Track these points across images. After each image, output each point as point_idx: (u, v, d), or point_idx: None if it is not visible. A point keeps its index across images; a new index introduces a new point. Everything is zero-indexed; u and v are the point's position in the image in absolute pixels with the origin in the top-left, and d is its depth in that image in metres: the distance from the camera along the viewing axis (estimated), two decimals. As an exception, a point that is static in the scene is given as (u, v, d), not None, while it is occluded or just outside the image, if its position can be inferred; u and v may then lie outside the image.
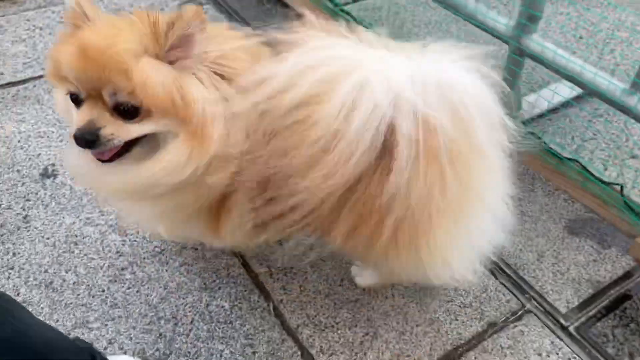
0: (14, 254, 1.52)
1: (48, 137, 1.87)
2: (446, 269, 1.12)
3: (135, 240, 1.58)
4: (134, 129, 1.00)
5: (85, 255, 1.54)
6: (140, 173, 1.04)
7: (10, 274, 1.48)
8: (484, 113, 0.96)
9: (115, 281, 1.49)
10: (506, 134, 1.03)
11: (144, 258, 1.55)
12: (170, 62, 0.99)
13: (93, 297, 1.45)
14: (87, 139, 0.98)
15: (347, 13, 2.45)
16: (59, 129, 1.89)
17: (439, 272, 1.13)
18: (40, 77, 2.11)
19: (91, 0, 1.03)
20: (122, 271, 1.51)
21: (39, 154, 1.81)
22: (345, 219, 1.03)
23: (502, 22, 1.71)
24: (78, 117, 1.00)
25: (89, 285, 1.47)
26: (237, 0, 2.62)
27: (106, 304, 1.44)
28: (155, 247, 1.58)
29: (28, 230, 1.58)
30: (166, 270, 1.53)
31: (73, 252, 1.55)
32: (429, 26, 2.55)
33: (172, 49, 0.97)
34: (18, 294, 1.43)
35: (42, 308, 1.41)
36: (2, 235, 1.56)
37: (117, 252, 1.56)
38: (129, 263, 1.53)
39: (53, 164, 1.78)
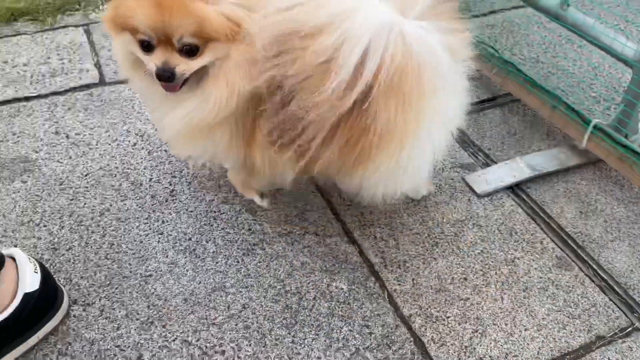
0: (163, 222, 1.74)
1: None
2: (410, 177, 1.45)
3: (265, 221, 1.76)
4: (196, 64, 1.28)
5: (222, 229, 1.73)
6: (216, 93, 1.30)
7: (160, 238, 1.69)
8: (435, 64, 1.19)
9: (248, 254, 1.66)
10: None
11: (272, 237, 1.72)
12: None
13: (229, 266, 1.63)
14: (167, 75, 1.26)
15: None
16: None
17: (403, 180, 1.44)
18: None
19: None
20: (254, 246, 1.69)
21: (182, 137, 2.03)
22: (338, 140, 1.24)
23: (632, 47, 1.74)
24: (155, 59, 1.27)
25: (225, 255, 1.66)
26: None
27: (240, 273, 1.61)
28: (282, 228, 1.74)
29: (174, 203, 1.80)
30: (291, 250, 1.68)
31: (212, 225, 1.74)
32: (543, 46, 2.59)
33: None
34: (167, 256, 1.64)
35: (186, 270, 1.61)
36: (153, 205, 1.79)
37: (249, 229, 1.74)
38: (260, 240, 1.71)
39: (194, 147, 2.00)
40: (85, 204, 1.77)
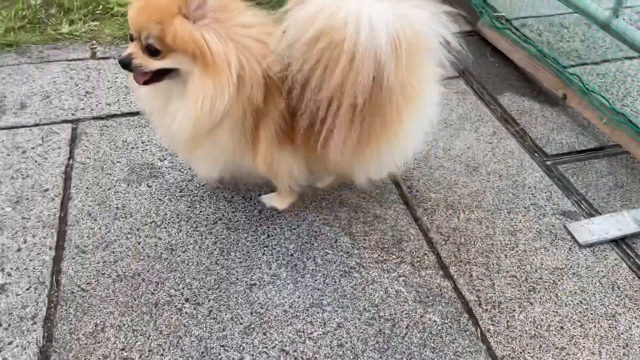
0: (268, 236, 1.86)
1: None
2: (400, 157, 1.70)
3: (362, 246, 1.83)
4: (156, 64, 1.48)
5: (322, 249, 1.82)
6: (188, 102, 1.49)
7: (265, 250, 1.81)
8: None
9: (345, 276, 1.74)
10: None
11: (369, 262, 1.79)
12: (194, 20, 1.41)
13: (327, 284, 1.71)
14: (124, 63, 1.50)
15: (575, 75, 2.51)
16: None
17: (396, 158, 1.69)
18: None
19: None
20: (351, 269, 1.76)
21: (290, 159, 2.16)
22: (359, 119, 1.46)
23: None
24: (126, 50, 1.50)
25: (324, 274, 1.75)
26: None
27: (337, 292, 1.69)
28: (379, 255, 1.81)
29: (279, 219, 1.92)
30: (387, 278, 1.74)
31: (312, 244, 1.84)
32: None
33: (195, 11, 1.40)
34: (270, 268, 1.75)
35: (287, 284, 1.71)
36: (260, 219, 1.92)
37: (347, 252, 1.82)
38: (357, 264, 1.78)
39: (300, 169, 2.12)
40: (200, 211, 1.93)
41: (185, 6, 1.40)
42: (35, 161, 2.10)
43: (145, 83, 1.53)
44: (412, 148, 1.70)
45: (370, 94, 1.40)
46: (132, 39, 1.51)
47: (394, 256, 1.82)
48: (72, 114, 2.36)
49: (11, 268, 1.71)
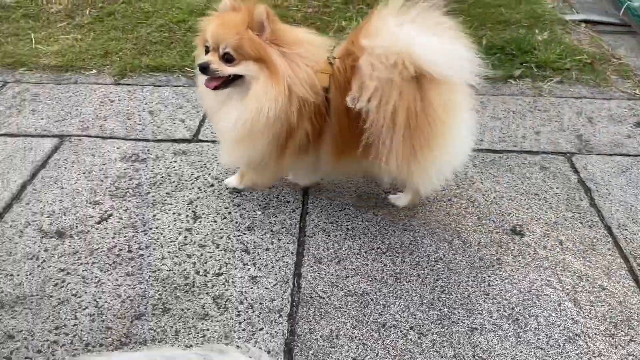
0: (489, 285, 1.91)
1: (517, 202, 2.25)
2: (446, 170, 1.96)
3: (588, 315, 1.79)
4: (230, 69, 1.80)
5: (544, 309, 1.82)
6: (250, 106, 1.81)
7: (485, 298, 1.86)
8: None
9: (570, 342, 1.71)
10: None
11: (596, 334, 1.74)
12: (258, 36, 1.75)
13: (550, 346, 1.70)
14: (203, 66, 1.81)
15: None
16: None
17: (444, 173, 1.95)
18: (512, 151, 2.54)
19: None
20: (576, 337, 1.73)
21: (510, 213, 2.20)
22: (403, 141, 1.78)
23: None
24: (205, 57, 1.82)
25: (547, 334, 1.73)
26: None
27: (561, 357, 1.67)
28: (605, 328, 1.75)
29: (500, 271, 1.95)
30: (615, 353, 1.68)
31: (535, 302, 1.84)
32: None
33: (257, 29, 1.75)
34: (491, 317, 1.78)
35: (509, 336, 1.73)
36: (480, 267, 1.97)
37: (572, 319, 1.79)
38: (582, 332, 1.74)
39: (520, 225, 2.14)
40: (422, 247, 2.05)
41: (252, 24, 1.74)
42: (279, 175, 2.39)
43: (216, 88, 1.85)
44: (454, 162, 1.95)
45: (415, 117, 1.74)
46: (207, 51, 1.83)
47: (622, 332, 1.75)
48: (308, 138, 2.64)
49: (261, 264, 1.96)
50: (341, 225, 2.14)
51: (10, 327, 1.72)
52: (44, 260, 1.96)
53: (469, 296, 1.86)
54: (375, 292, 1.87)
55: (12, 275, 1.90)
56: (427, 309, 1.81)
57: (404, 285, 1.90)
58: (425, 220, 2.17)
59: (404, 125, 1.74)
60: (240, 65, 1.80)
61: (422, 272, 1.95)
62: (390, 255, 2.01)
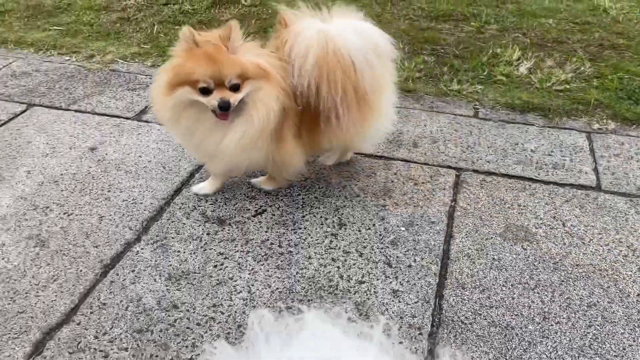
0: (649, 342, 1.75)
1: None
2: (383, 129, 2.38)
3: None
4: (239, 95, 1.93)
5: None
6: (258, 114, 1.97)
7: (644, 355, 1.71)
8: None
9: None
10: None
11: None
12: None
13: None
14: (227, 105, 1.89)
15: None
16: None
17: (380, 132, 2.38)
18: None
19: (195, 32, 1.89)
20: None
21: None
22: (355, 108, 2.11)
23: None
24: (215, 97, 1.90)
25: None
26: None
27: None
28: None
29: (664, 329, 1.79)
30: None
31: None
32: None
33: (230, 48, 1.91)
34: (650, 376, 1.64)
35: (671, 401, 1.57)
36: (639, 321, 1.82)
37: None
38: None
39: (690, 284, 1.95)
40: (574, 290, 1.94)
41: (229, 45, 1.89)
42: (425, 195, 2.41)
43: (227, 116, 1.95)
44: (387, 126, 2.36)
45: (357, 90, 2.05)
46: (208, 90, 1.89)
47: None
48: (456, 162, 2.63)
49: (403, 279, 1.98)
50: (487, 254, 2.10)
51: (176, 298, 1.90)
52: (206, 243, 2.15)
53: (624, 349, 1.74)
54: (521, 328, 1.81)
55: (179, 251, 2.11)
56: (576, 355, 1.72)
57: (552, 325, 1.82)
58: (578, 262, 2.06)
59: (355, 98, 2.06)
60: (244, 87, 1.94)
61: (573, 315, 1.85)
62: (538, 293, 1.94)
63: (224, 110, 1.92)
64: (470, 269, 2.03)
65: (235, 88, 1.92)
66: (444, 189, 2.45)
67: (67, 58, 3.70)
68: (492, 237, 2.18)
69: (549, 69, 3.46)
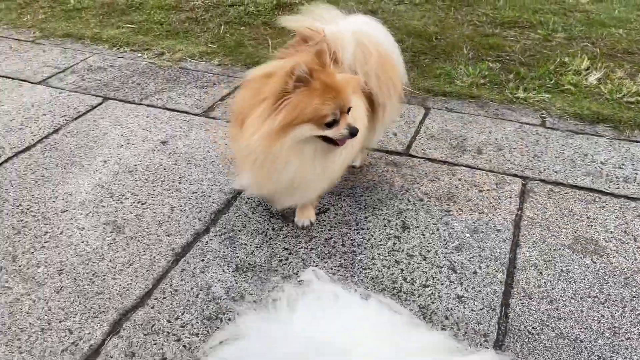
0: None
1: None
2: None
3: None
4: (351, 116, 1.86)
5: None
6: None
7: None
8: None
9: None
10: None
11: None
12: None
13: None
14: (356, 132, 1.83)
15: None
16: None
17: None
18: None
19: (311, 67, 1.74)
20: None
21: None
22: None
23: None
24: (342, 127, 1.81)
25: None
26: None
27: None
28: None
29: None
30: None
31: None
32: None
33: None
34: None
35: None
36: None
37: None
38: None
39: None
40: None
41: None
42: (490, 202, 2.39)
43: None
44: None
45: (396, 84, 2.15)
46: (334, 123, 1.79)
47: None
48: (522, 171, 2.59)
49: (468, 285, 1.97)
50: (555, 265, 2.06)
51: (243, 289, 1.96)
52: (271, 238, 2.20)
53: (702, 373, 1.67)
54: (590, 342, 1.77)
55: (245, 244, 2.17)
56: (648, 374, 1.67)
57: (622, 341, 1.77)
58: (651, 279, 2.00)
59: (395, 92, 2.14)
60: (351, 108, 1.88)
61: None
62: (608, 307, 1.89)
63: (355, 134, 1.83)
64: (537, 279, 2.00)
65: (349, 110, 1.85)
66: (510, 197, 2.42)
67: (139, 55, 3.86)
68: (560, 249, 2.14)
69: (620, 80, 3.35)
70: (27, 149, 2.77)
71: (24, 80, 3.46)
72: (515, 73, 3.47)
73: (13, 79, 3.49)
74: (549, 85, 3.34)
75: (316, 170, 1.91)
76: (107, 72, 3.59)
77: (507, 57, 3.70)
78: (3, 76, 3.52)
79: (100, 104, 3.21)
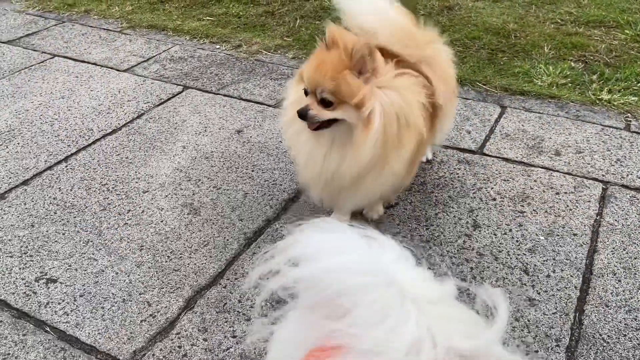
0: None
1: None
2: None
3: None
4: (327, 113, 1.72)
5: None
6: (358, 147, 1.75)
7: None
8: None
9: None
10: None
11: None
12: (359, 73, 1.68)
13: None
14: (301, 113, 1.73)
15: None
16: None
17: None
18: None
19: (340, 31, 1.71)
20: None
21: None
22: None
23: None
24: (304, 102, 1.74)
25: None
26: None
27: None
28: None
29: None
30: None
31: None
32: None
33: (356, 66, 1.67)
34: None
35: None
36: None
37: None
38: None
39: None
40: None
41: (351, 63, 1.65)
42: (567, 205, 2.30)
43: (316, 129, 1.76)
44: None
45: None
46: (306, 94, 1.75)
47: None
48: (603, 175, 2.48)
49: (540, 288, 1.92)
50: (635, 274, 1.97)
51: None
52: (341, 228, 2.23)
53: None
54: (671, 356, 1.68)
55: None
56: None
57: None
58: None
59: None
60: (338, 110, 1.71)
61: None
62: (693, 322, 1.78)
63: (300, 117, 1.81)
64: (615, 287, 1.92)
65: (326, 104, 1.78)
66: (589, 201, 2.32)
67: (218, 47, 3.99)
68: (641, 257, 2.04)
69: None
70: (113, 132, 2.95)
71: (112, 68, 3.67)
72: (599, 74, 3.31)
73: (102, 66, 3.71)
74: (635, 88, 3.17)
75: (333, 161, 1.80)
76: (188, 63, 3.75)
77: (591, 57, 3.54)
78: (93, 63, 3.75)
79: (181, 92, 3.36)
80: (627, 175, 2.47)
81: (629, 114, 2.96)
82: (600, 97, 3.09)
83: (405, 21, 1.98)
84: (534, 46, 3.68)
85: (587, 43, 3.71)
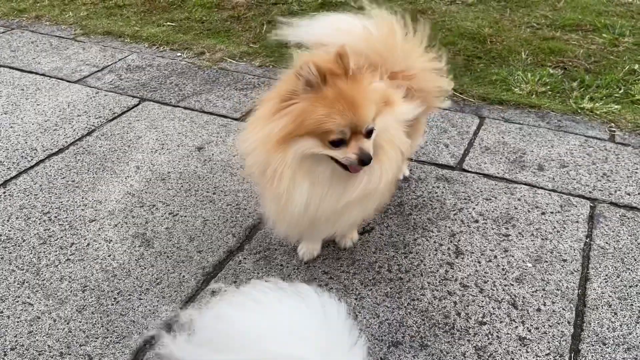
0: None
1: None
2: None
3: None
4: (372, 141, 1.51)
5: None
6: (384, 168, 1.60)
7: None
8: None
9: None
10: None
11: None
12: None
13: None
14: (368, 160, 1.47)
15: None
16: None
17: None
18: None
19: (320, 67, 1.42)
20: None
21: None
22: None
23: None
24: (351, 150, 1.47)
25: None
26: None
27: None
28: None
29: None
30: None
31: None
32: None
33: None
34: None
35: None
36: None
37: None
38: None
39: None
40: None
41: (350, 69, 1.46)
42: (554, 227, 2.13)
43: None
44: None
45: None
46: (343, 140, 1.47)
47: None
48: (590, 192, 2.32)
49: (531, 325, 1.74)
50: (632, 305, 1.80)
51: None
52: (308, 264, 2.01)
53: None
54: (679, 403, 1.51)
55: (281, 265, 1.99)
56: None
57: None
58: None
59: None
60: (375, 127, 1.52)
61: None
62: (698, 361, 1.62)
63: (366, 164, 1.50)
64: (611, 321, 1.75)
65: (370, 133, 1.51)
66: (577, 222, 2.16)
67: (179, 54, 3.74)
68: (637, 285, 1.88)
69: (700, 91, 3.02)
70: (60, 151, 2.68)
71: (62, 79, 3.39)
72: (580, 81, 3.18)
73: (51, 77, 3.42)
74: (617, 95, 3.04)
75: (332, 198, 1.58)
76: (146, 72, 3.48)
77: (570, 63, 3.41)
78: (42, 74, 3.46)
79: (137, 105, 3.10)
80: (615, 192, 2.32)
81: (612, 124, 2.82)
82: (581, 105, 2.95)
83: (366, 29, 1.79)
84: (511, 52, 3.53)
85: (565, 48, 3.58)
